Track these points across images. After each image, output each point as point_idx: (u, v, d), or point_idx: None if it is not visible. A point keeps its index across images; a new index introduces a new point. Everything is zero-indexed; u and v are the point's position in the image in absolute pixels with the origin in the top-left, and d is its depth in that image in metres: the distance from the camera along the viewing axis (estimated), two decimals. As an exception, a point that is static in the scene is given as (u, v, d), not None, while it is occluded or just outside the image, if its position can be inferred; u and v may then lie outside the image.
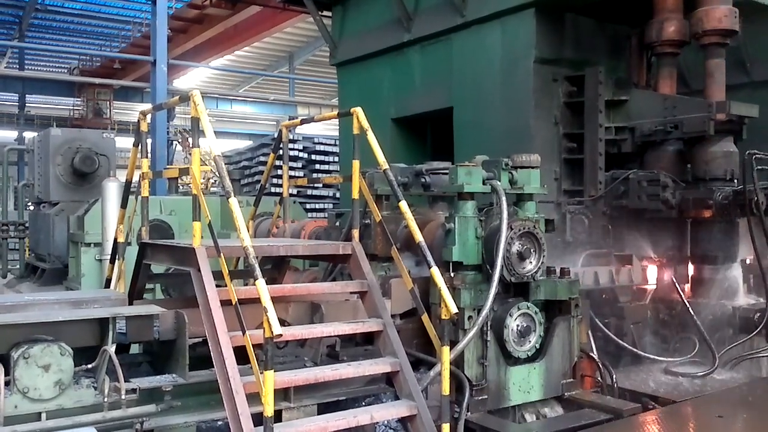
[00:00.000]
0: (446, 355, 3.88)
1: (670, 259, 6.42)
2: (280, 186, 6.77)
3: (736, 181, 6.27)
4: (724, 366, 5.69)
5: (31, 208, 11.72)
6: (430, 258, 3.96)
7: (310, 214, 12.24)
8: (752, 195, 5.81)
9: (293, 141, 17.27)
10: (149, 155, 15.96)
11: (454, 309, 3.82)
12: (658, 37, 6.79)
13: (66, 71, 30.83)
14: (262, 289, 3.18)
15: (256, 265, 3.28)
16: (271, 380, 3.18)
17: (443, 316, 3.89)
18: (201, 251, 3.82)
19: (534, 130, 6.91)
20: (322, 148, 13.98)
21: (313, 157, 14.67)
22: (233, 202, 3.50)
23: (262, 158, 16.02)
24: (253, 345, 3.46)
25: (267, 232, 6.91)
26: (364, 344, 5.00)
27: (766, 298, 5.94)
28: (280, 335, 3.12)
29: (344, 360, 4.35)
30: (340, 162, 11.05)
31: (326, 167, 13.78)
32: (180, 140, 27.28)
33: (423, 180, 5.90)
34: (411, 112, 8.67)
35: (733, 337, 5.95)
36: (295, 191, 16.56)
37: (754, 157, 5.87)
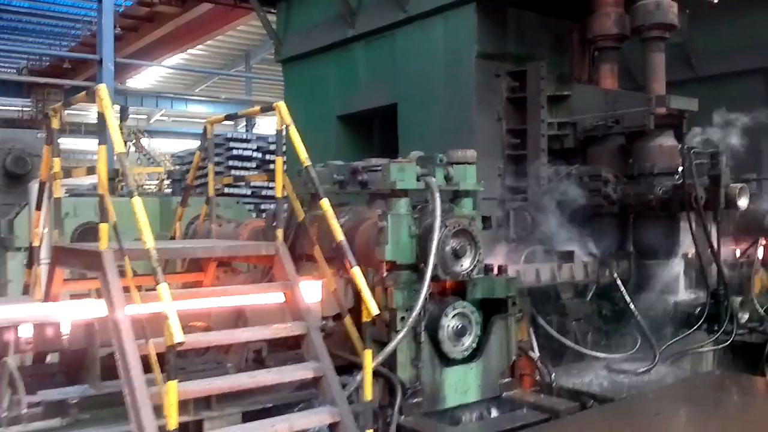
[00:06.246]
0: (368, 358, 3.73)
1: (612, 254, 6.36)
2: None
3: (677, 175, 6.25)
4: (665, 361, 5.65)
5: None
6: (351, 257, 3.81)
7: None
8: (692, 190, 5.79)
9: (247, 141, 17.02)
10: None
11: (375, 310, 3.67)
12: (599, 31, 6.75)
13: (15, 71, 29.96)
14: (163, 293, 2.99)
15: (159, 269, 3.09)
16: (174, 391, 2.99)
17: (364, 318, 3.74)
18: (108, 254, 3.61)
19: (477, 126, 6.82)
20: (274, 147, 13.76)
21: (268, 156, 14.41)
22: (136, 201, 3.30)
23: (215, 159, 15.65)
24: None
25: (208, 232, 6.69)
26: (297, 348, 4.83)
27: (707, 293, 5.92)
28: (182, 343, 2.93)
29: (270, 366, 4.17)
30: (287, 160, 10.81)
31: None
32: (133, 141, 26.81)
33: (360, 178, 5.74)
34: (356, 108, 8.53)
35: (674, 333, 5.92)
36: (249, 192, 16.33)
37: (692, 151, 5.85)
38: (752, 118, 6.97)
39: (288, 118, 4.30)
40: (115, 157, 3.48)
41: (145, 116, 35.54)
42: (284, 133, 4.55)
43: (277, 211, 4.56)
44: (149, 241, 3.19)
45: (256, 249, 4.35)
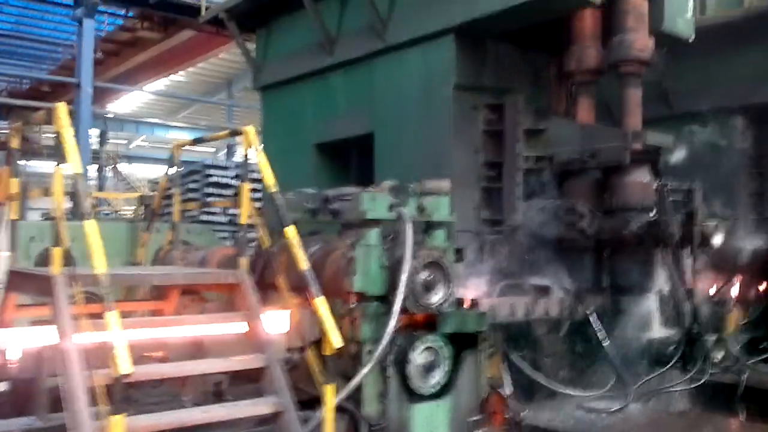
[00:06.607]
0: (330, 394, 3.58)
1: (588, 289, 6.28)
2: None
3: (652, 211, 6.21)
4: (638, 400, 5.54)
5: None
6: (315, 287, 3.68)
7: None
8: (666, 226, 5.75)
9: (225, 168, 16.79)
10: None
11: (337, 343, 3.53)
12: (576, 65, 6.76)
13: (-7, 93, 29.61)
14: (111, 321, 2.84)
15: (108, 295, 2.93)
16: (119, 427, 2.82)
17: (326, 351, 3.60)
18: (59, 279, 3.45)
19: (453, 157, 6.75)
20: (256, 175, 13.54)
21: (246, 184, 14.12)
22: (88, 225, 3.15)
23: (191, 185, 15.52)
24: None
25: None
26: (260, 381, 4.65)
27: (682, 330, 5.84)
28: (128, 375, 2.77)
29: (229, 399, 3.99)
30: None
31: (259, 195, 13.38)
32: (112, 166, 26.59)
33: (331, 207, 5.63)
34: (334, 137, 8.44)
35: (648, 370, 5.82)
36: (226, 219, 16.07)
37: (667, 187, 5.83)
38: (729, 156, 6.99)
39: (256, 143, 4.19)
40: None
41: (125, 141, 35.27)
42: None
43: (241, 239, 4.42)
44: (100, 267, 3.04)
45: (217, 277, 4.20)
